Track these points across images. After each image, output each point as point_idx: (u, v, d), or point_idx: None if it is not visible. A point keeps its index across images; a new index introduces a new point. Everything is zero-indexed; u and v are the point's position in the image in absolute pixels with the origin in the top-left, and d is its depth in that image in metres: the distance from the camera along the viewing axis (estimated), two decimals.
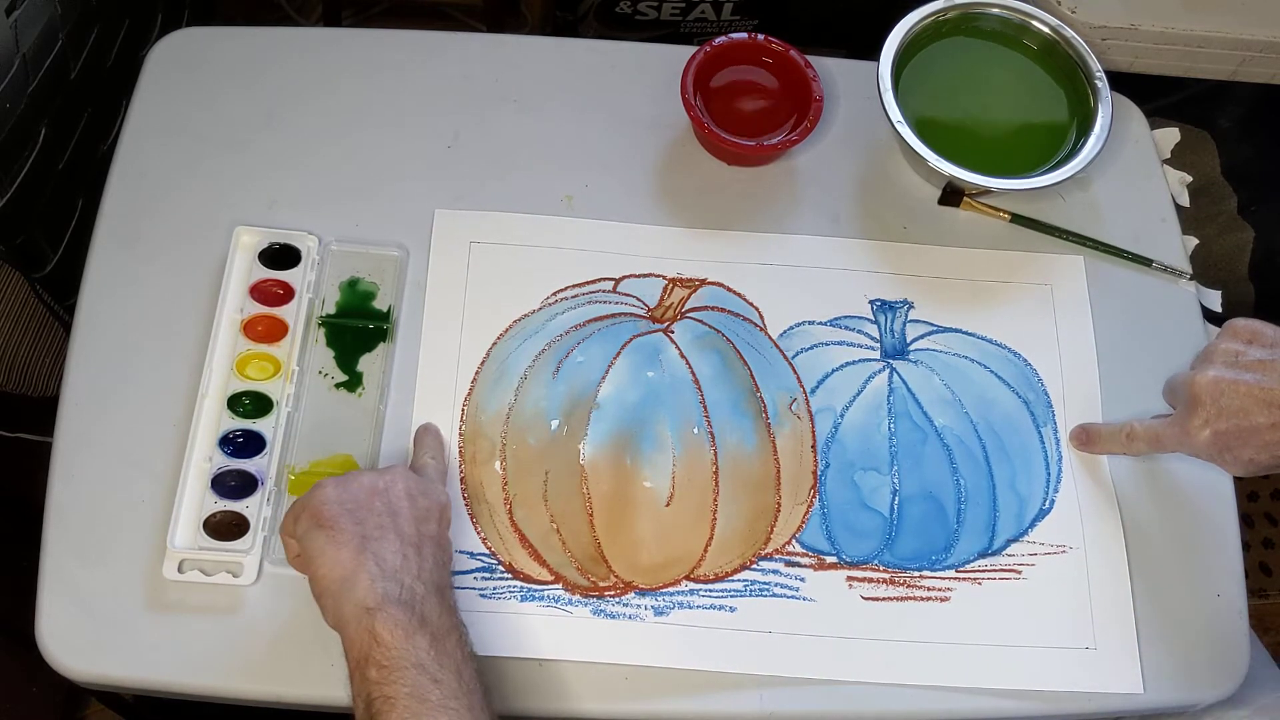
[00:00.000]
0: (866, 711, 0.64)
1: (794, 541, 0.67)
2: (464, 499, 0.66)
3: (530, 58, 0.81)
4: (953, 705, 0.64)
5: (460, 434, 0.68)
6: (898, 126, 0.74)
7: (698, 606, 0.65)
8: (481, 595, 0.64)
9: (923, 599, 0.66)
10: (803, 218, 0.77)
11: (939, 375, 0.72)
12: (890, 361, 0.72)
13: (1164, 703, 0.65)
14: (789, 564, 0.66)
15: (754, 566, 0.66)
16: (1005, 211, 0.77)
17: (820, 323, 0.73)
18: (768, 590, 0.66)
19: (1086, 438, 0.70)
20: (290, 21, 1.34)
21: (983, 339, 0.73)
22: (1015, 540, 0.68)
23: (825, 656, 0.64)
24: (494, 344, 0.70)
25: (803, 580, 0.66)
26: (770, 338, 0.72)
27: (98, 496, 0.65)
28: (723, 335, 0.72)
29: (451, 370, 0.69)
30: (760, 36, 0.77)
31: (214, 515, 0.64)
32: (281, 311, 0.70)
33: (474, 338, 0.71)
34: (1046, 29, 0.79)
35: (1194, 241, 0.79)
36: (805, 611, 0.65)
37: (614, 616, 0.64)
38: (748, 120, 0.77)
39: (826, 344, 0.72)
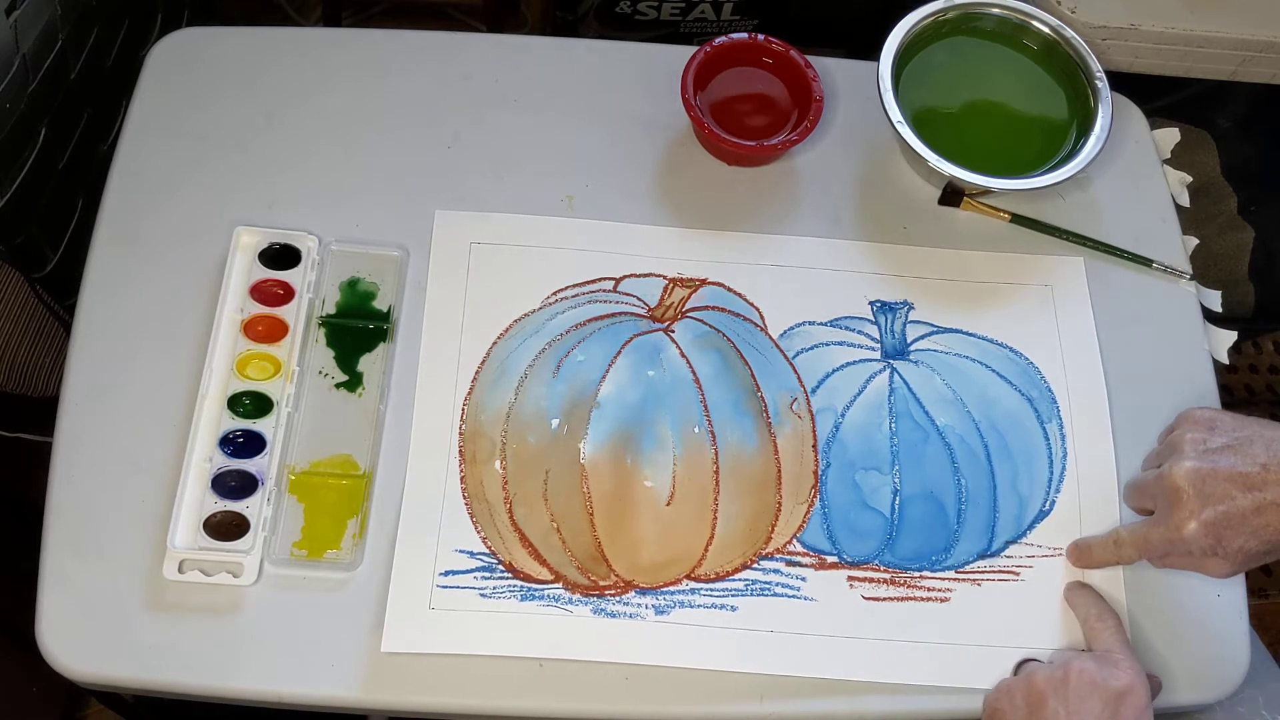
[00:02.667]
0: (867, 711, 0.64)
1: (795, 541, 0.67)
2: (464, 498, 0.66)
3: (530, 58, 0.81)
4: (952, 705, 0.64)
5: (460, 433, 0.68)
6: (898, 127, 0.74)
7: (699, 606, 0.65)
8: (481, 595, 0.64)
9: (923, 599, 0.66)
10: (803, 218, 0.77)
11: (940, 375, 0.72)
12: (891, 362, 0.72)
13: (1164, 703, 0.65)
14: (790, 563, 0.66)
15: (755, 566, 0.66)
16: (1005, 212, 0.77)
17: (820, 323, 0.73)
18: (769, 590, 0.66)
19: (1078, 552, 0.67)
20: (290, 21, 1.34)
21: (983, 339, 0.73)
22: (1014, 542, 0.68)
23: (826, 656, 0.64)
24: (494, 343, 0.70)
25: (804, 580, 0.66)
26: (771, 338, 0.72)
27: (98, 496, 0.65)
28: (723, 335, 0.72)
29: (452, 370, 0.69)
30: (760, 36, 0.77)
31: (214, 515, 0.64)
32: (282, 312, 0.70)
33: (474, 337, 0.70)
34: (1046, 29, 0.79)
35: (1194, 242, 0.79)
36: (806, 611, 0.65)
37: (615, 615, 0.64)
38: (748, 120, 0.77)
39: (827, 344, 0.72)
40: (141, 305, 0.70)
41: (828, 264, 0.75)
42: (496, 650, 0.63)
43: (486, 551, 0.65)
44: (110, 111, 0.91)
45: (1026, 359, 0.73)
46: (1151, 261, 0.77)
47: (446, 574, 0.64)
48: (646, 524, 0.66)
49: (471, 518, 0.66)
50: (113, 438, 0.66)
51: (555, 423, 0.68)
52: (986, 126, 0.78)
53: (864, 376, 0.71)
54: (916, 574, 0.67)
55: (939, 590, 0.67)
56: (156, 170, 0.74)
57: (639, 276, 0.73)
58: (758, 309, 0.73)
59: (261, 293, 0.70)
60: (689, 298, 0.73)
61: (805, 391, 0.71)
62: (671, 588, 0.65)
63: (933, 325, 0.74)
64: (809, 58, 0.77)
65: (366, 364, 0.69)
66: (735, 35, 0.77)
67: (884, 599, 0.66)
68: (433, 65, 0.80)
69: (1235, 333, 0.75)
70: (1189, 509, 0.58)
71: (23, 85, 0.78)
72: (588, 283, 0.73)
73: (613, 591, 0.65)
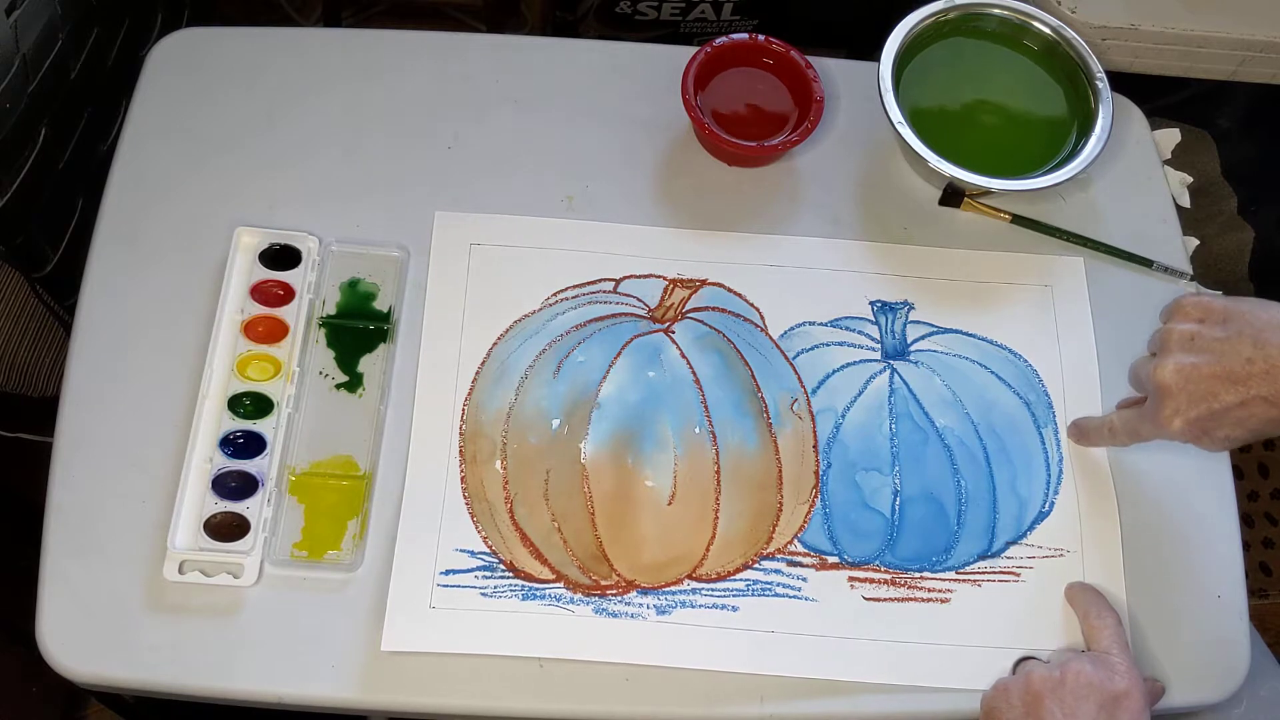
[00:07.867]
0: (867, 711, 0.64)
1: (796, 541, 0.67)
2: (464, 498, 0.66)
3: (530, 58, 0.81)
4: (953, 706, 0.64)
5: (461, 433, 0.68)
6: (898, 127, 0.74)
7: (700, 606, 0.65)
8: (482, 594, 0.64)
9: (924, 600, 0.66)
10: (803, 218, 0.77)
11: (940, 376, 0.72)
12: (891, 362, 0.72)
13: (1164, 704, 0.65)
14: (791, 564, 0.66)
15: (756, 566, 0.66)
16: (1006, 212, 0.77)
17: (821, 324, 0.73)
18: (770, 590, 0.66)
19: (1078, 432, 0.70)
20: (290, 21, 1.34)
21: (983, 340, 0.73)
22: (1014, 543, 0.68)
23: (827, 656, 0.64)
24: (495, 344, 0.70)
25: (805, 580, 0.66)
26: (771, 338, 0.72)
27: (98, 497, 0.65)
28: (723, 336, 0.72)
29: (452, 370, 0.69)
30: (761, 37, 0.77)
31: (214, 516, 0.64)
32: (282, 312, 0.69)
33: (474, 338, 0.70)
34: (1047, 29, 0.79)
35: (1194, 242, 0.79)
36: (807, 611, 0.65)
37: (616, 615, 0.64)
38: (748, 121, 0.77)
39: (827, 345, 0.72)
40: (141, 305, 0.70)
41: (828, 264, 0.75)
42: (497, 649, 0.63)
43: (487, 551, 0.65)
44: (110, 111, 0.91)
45: (1025, 361, 0.73)
46: (1152, 262, 0.77)
47: (447, 573, 0.64)
48: (648, 524, 0.66)
49: (472, 517, 0.66)
50: (113, 438, 0.66)
51: (556, 423, 0.68)
52: (987, 127, 0.78)
53: (864, 377, 0.71)
54: (917, 574, 0.67)
55: (939, 591, 0.67)
56: (156, 170, 0.74)
57: (639, 277, 0.73)
58: (758, 309, 0.73)
59: (262, 293, 0.70)
60: (689, 298, 0.73)
61: (805, 392, 0.71)
62: (673, 588, 0.65)
63: (933, 325, 0.74)
64: (809, 58, 0.77)
65: (367, 365, 0.69)
66: (736, 35, 0.77)
67: (885, 599, 0.66)
68: (433, 65, 0.80)
69: None
70: (1174, 406, 0.59)
71: (23, 85, 0.78)
72: (588, 284, 0.73)
73: (614, 591, 0.65)
